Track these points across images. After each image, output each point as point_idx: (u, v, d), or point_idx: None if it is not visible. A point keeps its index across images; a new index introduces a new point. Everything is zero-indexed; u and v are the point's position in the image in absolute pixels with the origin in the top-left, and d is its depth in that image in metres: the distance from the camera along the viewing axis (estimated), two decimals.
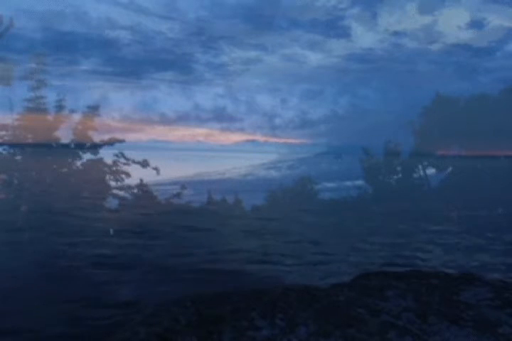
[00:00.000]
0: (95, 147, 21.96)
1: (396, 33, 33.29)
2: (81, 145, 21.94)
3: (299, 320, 3.43)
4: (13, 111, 20.67)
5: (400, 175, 27.27)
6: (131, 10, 38.01)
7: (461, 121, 26.08)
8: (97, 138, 22.07)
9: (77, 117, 22.00)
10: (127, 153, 21.67)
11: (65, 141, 21.84)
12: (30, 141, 20.86)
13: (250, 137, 33.06)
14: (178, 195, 21.57)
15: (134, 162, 21.54)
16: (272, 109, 33.60)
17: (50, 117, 21.59)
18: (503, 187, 23.17)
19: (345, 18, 35.17)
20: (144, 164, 21.50)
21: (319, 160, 33.37)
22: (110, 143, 22.02)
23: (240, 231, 13.70)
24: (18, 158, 20.73)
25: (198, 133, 32.51)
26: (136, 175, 21.58)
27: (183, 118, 31.37)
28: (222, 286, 7.09)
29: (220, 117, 32.39)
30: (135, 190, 21.51)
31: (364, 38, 41.88)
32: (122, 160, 21.56)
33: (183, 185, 22.44)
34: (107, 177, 21.58)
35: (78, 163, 21.73)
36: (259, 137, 32.86)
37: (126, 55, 30.33)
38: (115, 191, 21.28)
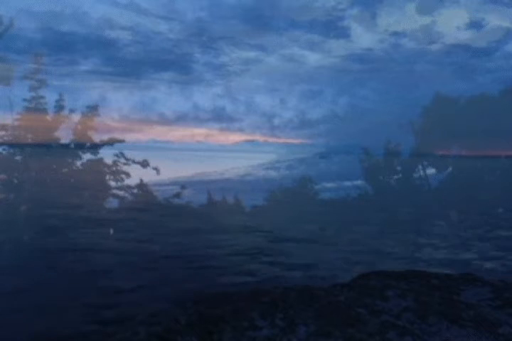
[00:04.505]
0: (95, 147, 21.94)
1: (395, 34, 33.29)
2: (81, 145, 21.91)
3: (299, 320, 3.42)
4: (13, 111, 20.67)
5: (400, 175, 27.27)
6: (131, 10, 38.00)
7: (461, 121, 26.08)
8: (96, 138, 22.07)
9: (76, 117, 21.98)
10: (127, 153, 21.66)
11: (65, 141, 21.81)
12: (30, 141, 20.84)
13: (249, 137, 33.04)
14: (177, 195, 21.56)
15: (134, 162, 21.53)
16: (271, 109, 33.60)
17: (49, 117, 21.57)
18: (503, 187, 23.17)
19: (345, 19, 35.21)
20: (144, 164, 21.49)
21: (318, 160, 33.35)
22: (110, 143, 22.00)
23: (239, 231, 13.70)
24: (18, 158, 20.72)
25: (198, 133, 32.49)
26: (136, 175, 21.59)
27: (182, 119, 31.35)
28: (222, 286, 7.09)
29: (220, 117, 32.38)
30: (135, 190, 21.50)
31: (363, 38, 41.92)
32: (122, 160, 21.55)
33: (183, 185, 22.44)
34: (107, 177, 21.57)
35: (78, 163, 21.70)
36: (258, 137, 32.85)
37: (125, 55, 30.30)
38: (115, 191, 21.28)
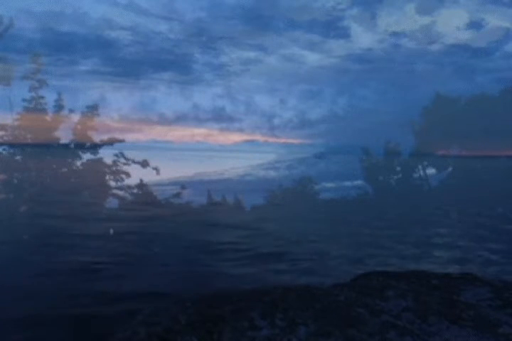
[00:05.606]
0: (95, 147, 21.95)
1: (395, 34, 33.22)
2: (81, 145, 21.93)
3: (299, 320, 3.42)
4: (13, 111, 20.68)
5: (400, 175, 27.28)
6: (131, 10, 38.10)
7: (461, 121, 26.09)
8: (96, 138, 22.09)
9: (76, 117, 22.02)
10: (127, 153, 21.69)
11: (65, 141, 21.84)
12: (30, 141, 20.85)
13: (249, 137, 32.99)
14: (177, 195, 21.58)
15: (134, 162, 21.55)
16: (271, 109, 33.57)
17: (49, 117, 21.58)
18: (503, 187, 23.17)
19: (344, 19, 35.16)
20: (144, 164, 21.52)
21: (318, 160, 33.34)
22: (110, 143, 22.03)
23: (239, 231, 13.70)
24: (18, 158, 20.72)
25: (197, 133, 32.46)
26: (136, 175, 21.60)
27: (182, 119, 31.33)
28: (222, 286, 7.09)
29: (219, 117, 32.34)
30: (135, 190, 21.51)
31: (363, 38, 42.00)
32: (122, 160, 21.58)
33: (183, 185, 22.46)
34: (107, 177, 21.58)
35: (78, 163, 21.72)
36: (258, 137, 32.80)
37: (125, 55, 30.31)
38: (115, 191, 21.29)
